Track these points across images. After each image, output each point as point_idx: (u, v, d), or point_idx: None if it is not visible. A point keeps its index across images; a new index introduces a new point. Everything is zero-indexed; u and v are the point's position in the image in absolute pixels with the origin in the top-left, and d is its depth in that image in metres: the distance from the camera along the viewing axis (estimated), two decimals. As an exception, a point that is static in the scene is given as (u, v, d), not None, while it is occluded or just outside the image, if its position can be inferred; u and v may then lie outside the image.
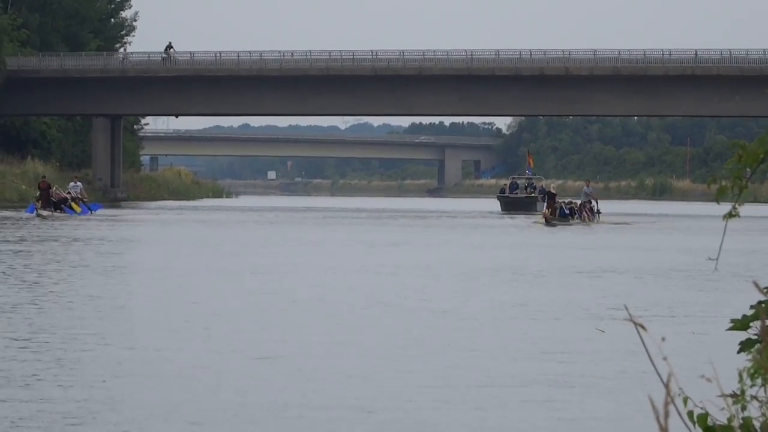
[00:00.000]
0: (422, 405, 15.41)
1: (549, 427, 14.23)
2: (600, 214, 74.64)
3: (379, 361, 18.99)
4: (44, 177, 78.60)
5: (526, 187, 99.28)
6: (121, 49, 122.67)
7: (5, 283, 29.79)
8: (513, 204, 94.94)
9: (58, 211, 72.42)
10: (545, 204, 75.08)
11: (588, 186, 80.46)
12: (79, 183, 79.11)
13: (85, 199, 77.24)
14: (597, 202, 76.22)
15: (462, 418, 14.66)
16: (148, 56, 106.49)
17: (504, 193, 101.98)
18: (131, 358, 18.90)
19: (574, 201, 75.64)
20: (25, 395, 15.60)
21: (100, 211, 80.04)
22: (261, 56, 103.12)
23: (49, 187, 74.41)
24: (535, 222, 71.50)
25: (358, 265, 38.67)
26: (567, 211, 72.19)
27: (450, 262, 40.02)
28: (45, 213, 70.72)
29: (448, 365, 18.55)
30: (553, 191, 77.25)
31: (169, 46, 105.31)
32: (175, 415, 14.65)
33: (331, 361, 18.90)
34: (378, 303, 27.20)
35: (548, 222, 69.79)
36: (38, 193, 74.14)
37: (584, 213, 73.23)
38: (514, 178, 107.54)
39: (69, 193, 75.82)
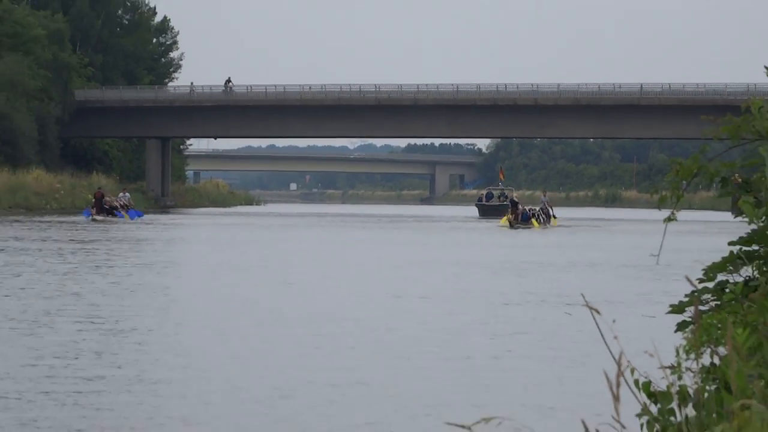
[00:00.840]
0: (408, 373, 15.40)
1: (523, 388, 14.22)
2: (555, 219, 74.59)
3: (372, 332, 18.98)
4: (99, 188, 78.59)
5: (499, 197, 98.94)
6: (182, 82, 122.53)
7: (90, 275, 29.79)
8: (488, 210, 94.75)
9: (110, 216, 71.96)
10: (509, 210, 74.97)
11: (545, 195, 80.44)
12: (127, 193, 79.07)
13: (132, 206, 76.67)
14: (552, 209, 76.18)
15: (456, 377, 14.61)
16: (192, 89, 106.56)
17: (481, 201, 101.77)
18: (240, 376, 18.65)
19: (533, 207, 75.58)
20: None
21: (153, 216, 79.94)
22: (284, 89, 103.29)
23: (103, 197, 74.12)
24: (500, 226, 71.33)
25: (374, 260, 38.68)
26: (528, 216, 72.06)
27: (436, 257, 40.01)
28: (99, 218, 70.44)
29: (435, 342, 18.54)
30: (516, 200, 77.12)
31: (228, 80, 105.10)
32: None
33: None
34: (381, 292, 27.21)
35: (512, 225, 69.62)
36: (94, 201, 74.01)
37: (541, 217, 73.09)
38: (489, 189, 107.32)
39: (119, 201, 75.50)
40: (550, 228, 70.32)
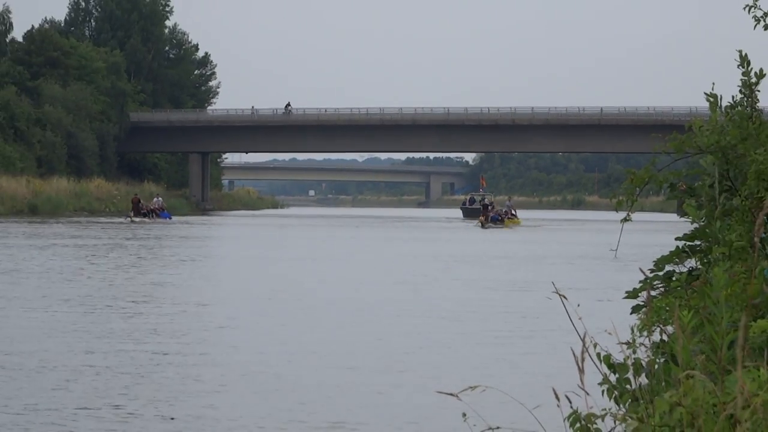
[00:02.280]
0: (403, 347, 15.36)
1: (504, 360, 14.19)
2: (518, 219, 73.82)
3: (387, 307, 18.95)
4: (136, 194, 77.59)
5: (480, 201, 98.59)
6: (219, 106, 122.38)
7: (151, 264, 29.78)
8: (470, 212, 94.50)
9: (146, 218, 70.34)
10: (481, 212, 74.09)
11: (509, 200, 79.98)
12: (159, 198, 77.22)
13: (164, 209, 74.68)
14: (515, 211, 75.69)
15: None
16: (227, 112, 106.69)
17: (465, 205, 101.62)
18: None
19: (500, 209, 74.78)
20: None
21: (192, 218, 79.85)
22: (304, 111, 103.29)
23: (139, 201, 73.05)
24: (474, 225, 70.86)
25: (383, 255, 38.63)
26: (497, 217, 71.40)
27: (430, 252, 39.96)
28: (137, 219, 69.16)
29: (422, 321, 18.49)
30: (487, 203, 76.17)
31: (288, 104, 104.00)
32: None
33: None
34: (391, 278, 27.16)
35: (483, 225, 68.90)
36: (132, 205, 72.79)
37: (506, 218, 72.43)
38: (472, 194, 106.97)
39: (152, 205, 73.88)
40: (513, 227, 69.76)
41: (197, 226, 63.66)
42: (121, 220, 69.62)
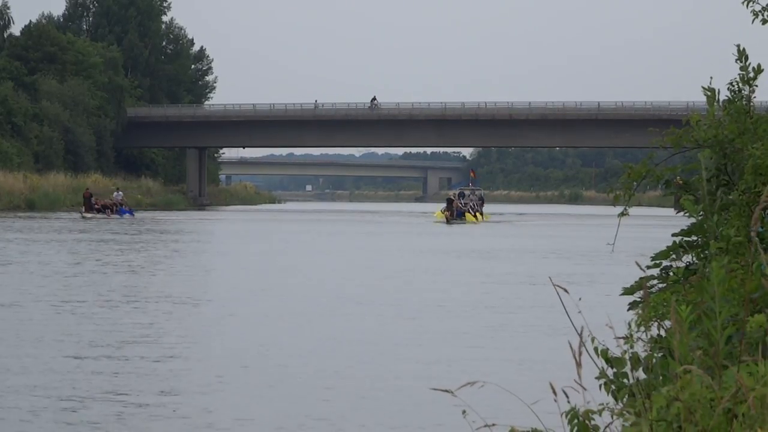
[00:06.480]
0: (401, 338, 15.36)
1: (502, 350, 14.17)
2: (483, 215, 73.12)
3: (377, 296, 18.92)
4: (87, 188, 72.97)
5: (469, 196, 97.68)
6: (216, 101, 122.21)
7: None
8: None
9: (100, 214, 65.70)
10: (445, 207, 72.54)
11: (474, 194, 79.26)
12: (120, 192, 72.81)
13: (126, 205, 69.73)
14: (482, 204, 75.06)
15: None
16: (224, 107, 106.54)
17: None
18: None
19: (466, 203, 73.32)
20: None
21: (190, 213, 79.57)
22: (301, 106, 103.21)
23: (92, 196, 68.10)
24: (436, 221, 69.70)
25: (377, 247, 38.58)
26: (461, 213, 70.61)
27: (429, 247, 39.97)
28: (88, 215, 64.65)
29: (418, 317, 18.47)
30: (452, 198, 74.89)
31: (374, 99, 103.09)
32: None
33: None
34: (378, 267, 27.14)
35: (448, 221, 67.70)
36: (83, 200, 68.15)
37: (476, 214, 71.71)
38: (461, 189, 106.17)
39: (114, 199, 69.35)
40: (482, 222, 68.86)
41: (151, 223, 60.14)
42: (74, 216, 65.96)
